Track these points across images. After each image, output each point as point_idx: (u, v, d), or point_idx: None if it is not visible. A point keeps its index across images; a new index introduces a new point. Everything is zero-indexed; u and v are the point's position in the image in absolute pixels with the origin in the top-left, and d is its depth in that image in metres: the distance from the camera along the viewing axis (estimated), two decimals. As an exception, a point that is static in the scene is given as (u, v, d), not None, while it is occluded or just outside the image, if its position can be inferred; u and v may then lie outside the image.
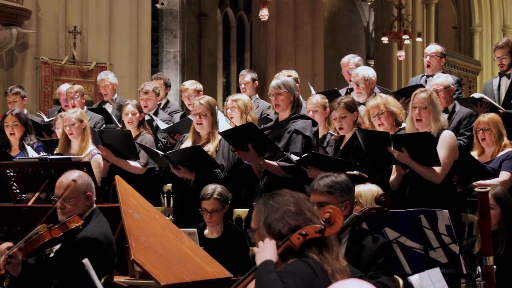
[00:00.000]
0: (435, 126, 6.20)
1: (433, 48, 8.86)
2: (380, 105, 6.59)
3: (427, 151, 6.02)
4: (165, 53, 19.45)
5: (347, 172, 5.36)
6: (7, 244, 5.07)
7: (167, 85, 10.09)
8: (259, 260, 3.33)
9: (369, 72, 8.02)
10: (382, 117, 6.57)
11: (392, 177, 6.37)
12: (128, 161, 7.86)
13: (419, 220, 4.99)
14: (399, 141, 6.09)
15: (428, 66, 8.72)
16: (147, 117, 9.00)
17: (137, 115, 8.14)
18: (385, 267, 4.68)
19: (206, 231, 6.51)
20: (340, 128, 6.73)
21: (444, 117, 6.55)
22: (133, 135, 8.00)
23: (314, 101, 7.35)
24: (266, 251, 3.33)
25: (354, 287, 2.61)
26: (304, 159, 6.38)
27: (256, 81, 9.56)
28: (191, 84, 9.40)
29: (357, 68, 8.35)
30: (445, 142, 6.18)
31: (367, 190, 5.33)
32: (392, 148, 6.09)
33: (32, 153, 7.67)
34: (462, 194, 6.59)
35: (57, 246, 5.28)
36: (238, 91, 10.52)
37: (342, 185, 4.64)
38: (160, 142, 8.78)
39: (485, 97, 7.97)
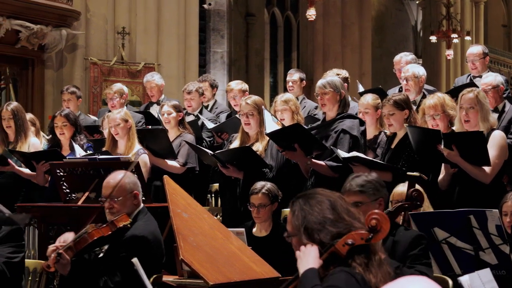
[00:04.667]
0: (484, 126, 6.10)
1: (474, 50, 8.83)
2: (438, 106, 6.39)
3: (478, 151, 5.95)
4: (213, 53, 19.51)
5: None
6: (57, 244, 5.11)
7: (213, 86, 10.10)
8: (301, 268, 3.24)
9: (420, 70, 7.94)
10: (438, 118, 6.40)
11: (441, 176, 6.30)
12: (166, 160, 7.87)
13: (468, 220, 4.94)
14: (450, 140, 6.02)
15: (474, 69, 8.72)
16: (192, 117, 9.03)
17: (173, 114, 8.08)
18: (421, 258, 4.66)
19: (254, 229, 6.50)
20: (390, 125, 6.62)
21: (493, 116, 6.46)
22: (174, 135, 8.01)
23: (365, 102, 7.22)
24: (308, 257, 3.24)
25: (417, 285, 2.54)
26: (349, 159, 6.34)
27: (304, 81, 9.54)
28: (237, 84, 9.41)
29: (408, 65, 8.29)
30: (495, 142, 6.10)
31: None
32: (442, 147, 6.03)
33: (79, 152, 7.73)
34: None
35: (106, 246, 5.33)
36: (285, 91, 10.51)
37: (374, 183, 4.59)
38: (204, 141, 8.78)
39: None
